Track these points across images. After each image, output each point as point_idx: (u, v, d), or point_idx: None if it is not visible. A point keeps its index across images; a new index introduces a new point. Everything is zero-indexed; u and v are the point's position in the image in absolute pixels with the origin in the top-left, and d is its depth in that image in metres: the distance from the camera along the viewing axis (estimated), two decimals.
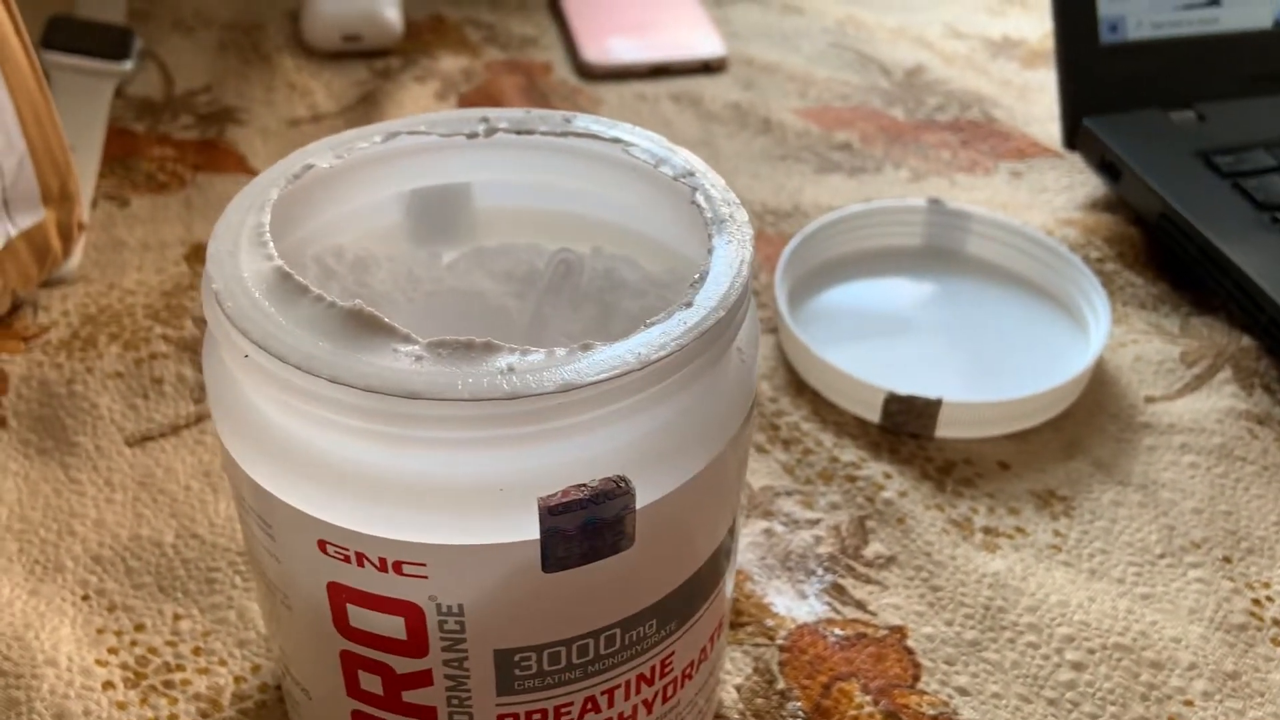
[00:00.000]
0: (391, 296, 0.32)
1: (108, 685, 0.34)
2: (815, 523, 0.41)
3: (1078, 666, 0.36)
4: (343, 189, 0.31)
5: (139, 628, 0.36)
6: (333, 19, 0.65)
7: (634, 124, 0.32)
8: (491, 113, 0.32)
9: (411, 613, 0.25)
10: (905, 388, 0.43)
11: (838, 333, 0.48)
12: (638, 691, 0.29)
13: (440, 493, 0.24)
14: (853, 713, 0.35)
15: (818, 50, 0.70)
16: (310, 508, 0.25)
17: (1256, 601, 0.39)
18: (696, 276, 0.26)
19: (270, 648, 0.36)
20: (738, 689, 0.35)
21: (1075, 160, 0.60)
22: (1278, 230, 0.50)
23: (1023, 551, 0.40)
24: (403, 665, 0.26)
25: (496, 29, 0.70)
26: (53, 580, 0.37)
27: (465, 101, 0.63)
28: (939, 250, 0.52)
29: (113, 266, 0.50)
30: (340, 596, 0.26)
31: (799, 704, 0.35)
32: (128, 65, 0.61)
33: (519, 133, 0.31)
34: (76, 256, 0.50)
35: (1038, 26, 0.74)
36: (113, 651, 0.35)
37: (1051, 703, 0.35)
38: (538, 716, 0.27)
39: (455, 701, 0.27)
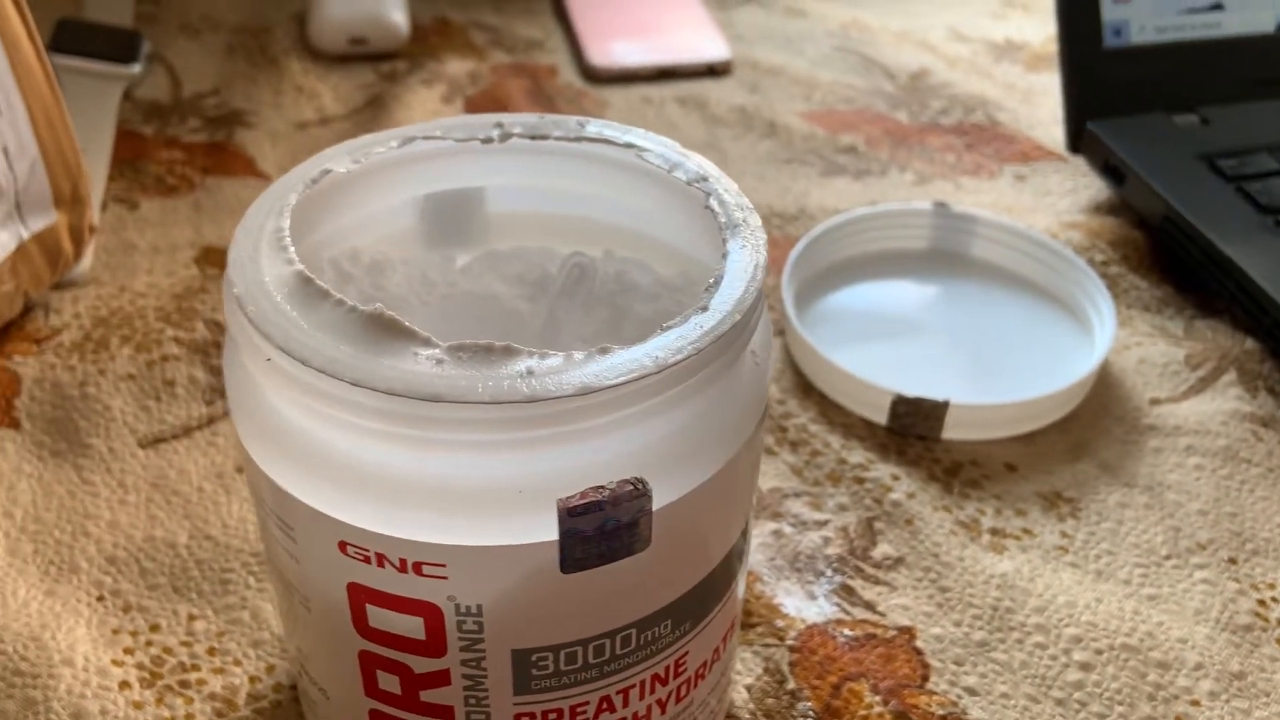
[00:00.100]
0: (406, 300, 0.32)
1: (124, 685, 0.35)
2: (824, 524, 0.41)
3: (1085, 667, 0.37)
4: (359, 193, 0.31)
5: (154, 628, 0.36)
6: (339, 22, 0.65)
7: (639, 127, 0.32)
8: (506, 118, 0.32)
9: (430, 613, 0.26)
10: (912, 390, 0.44)
11: (844, 335, 0.48)
12: (652, 691, 0.29)
13: (460, 494, 0.24)
14: (862, 712, 0.35)
15: (822, 54, 0.70)
16: (331, 509, 0.25)
17: (1262, 602, 0.39)
18: (712, 280, 0.27)
19: (286, 648, 0.36)
20: (748, 689, 0.36)
21: (1079, 164, 0.60)
22: None
23: (1030, 553, 0.40)
24: (421, 665, 0.27)
25: (502, 32, 0.70)
26: (68, 581, 0.38)
27: (471, 104, 0.63)
28: (944, 253, 0.53)
29: (123, 269, 0.50)
30: (360, 597, 0.26)
31: (809, 704, 0.35)
32: (135, 68, 0.61)
33: (533, 138, 0.32)
34: (87, 259, 0.50)
35: (1040, 30, 0.74)
36: (128, 651, 0.36)
37: (1059, 703, 0.36)
38: (554, 716, 0.28)
39: (473, 701, 0.27)
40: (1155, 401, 0.46)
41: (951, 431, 0.44)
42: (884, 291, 0.51)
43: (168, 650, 0.36)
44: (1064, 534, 0.41)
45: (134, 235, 0.52)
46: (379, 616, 0.26)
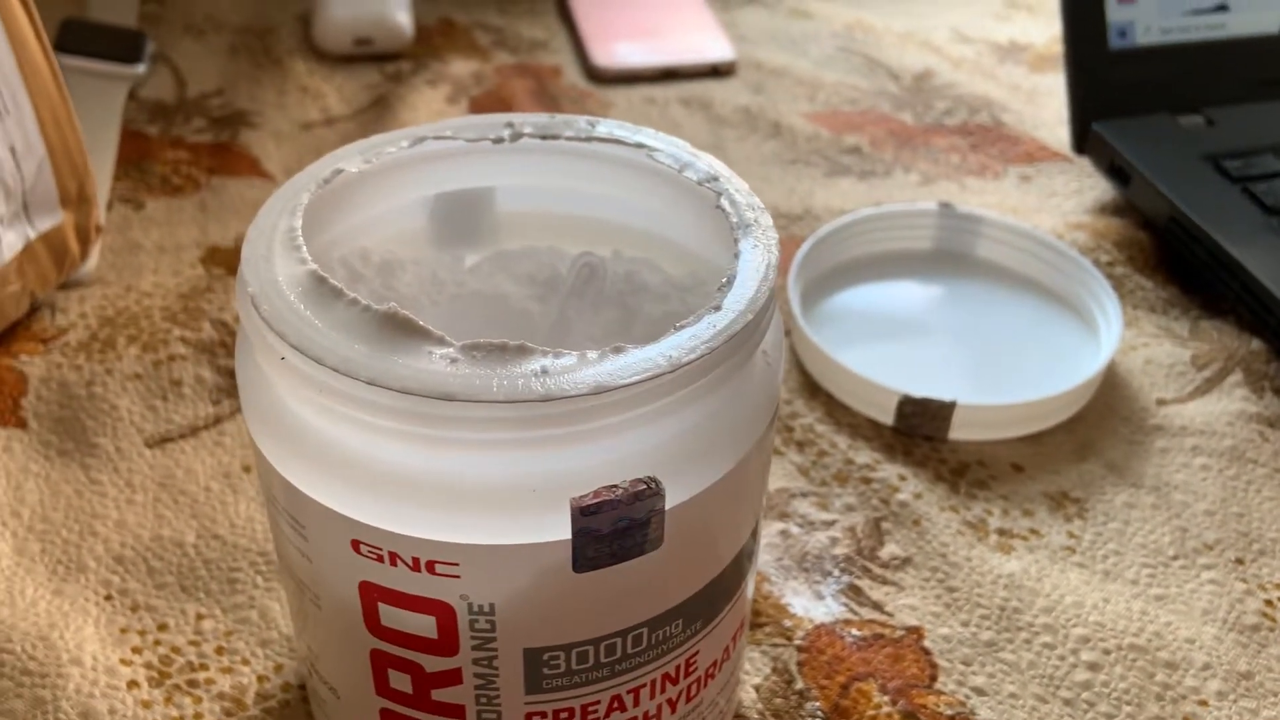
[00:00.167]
0: (417, 299, 0.32)
1: (132, 684, 0.35)
2: (831, 524, 0.41)
3: (1093, 667, 0.37)
4: (370, 193, 0.31)
5: (162, 627, 0.36)
6: (344, 23, 0.65)
7: (644, 127, 0.32)
8: (517, 118, 0.32)
9: (443, 612, 0.26)
10: (918, 390, 0.44)
11: (850, 335, 0.48)
12: (662, 690, 0.29)
13: (474, 493, 0.24)
14: (871, 712, 0.35)
15: (826, 54, 0.70)
16: (344, 508, 0.25)
17: (1269, 603, 0.39)
18: (724, 280, 0.27)
19: (296, 647, 0.36)
20: (757, 689, 0.36)
21: (1084, 164, 0.60)
22: None
23: (1037, 553, 0.40)
24: (433, 664, 0.27)
25: (506, 33, 0.70)
26: (75, 580, 0.38)
27: (476, 105, 0.63)
28: (950, 254, 0.53)
29: (129, 269, 0.50)
30: (372, 595, 0.26)
31: (818, 704, 0.35)
32: (140, 68, 0.61)
33: (544, 138, 0.32)
34: (93, 259, 0.50)
35: (1044, 30, 0.74)
36: (136, 651, 0.36)
37: (1068, 703, 0.36)
38: (565, 715, 0.28)
39: (484, 700, 0.27)
40: (1161, 402, 0.46)
41: (958, 432, 0.44)
42: (890, 292, 0.51)
43: (176, 649, 0.36)
44: (1071, 534, 0.41)
45: (139, 235, 0.52)
46: (391, 615, 0.26)
